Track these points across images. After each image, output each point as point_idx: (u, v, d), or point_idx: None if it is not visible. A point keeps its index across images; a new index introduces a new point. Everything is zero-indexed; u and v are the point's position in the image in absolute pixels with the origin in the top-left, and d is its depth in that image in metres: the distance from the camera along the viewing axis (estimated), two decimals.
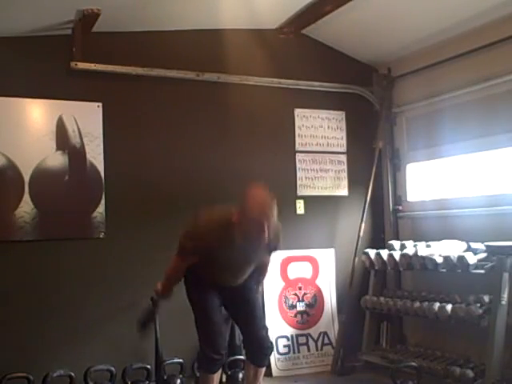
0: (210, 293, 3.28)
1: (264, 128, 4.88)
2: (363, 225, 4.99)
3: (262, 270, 3.49)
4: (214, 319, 3.28)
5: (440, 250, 4.20)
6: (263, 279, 3.63)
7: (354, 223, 5.02)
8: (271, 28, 4.87)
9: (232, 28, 4.67)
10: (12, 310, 4.02)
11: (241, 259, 3.18)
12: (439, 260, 4.14)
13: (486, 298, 3.90)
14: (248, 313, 3.36)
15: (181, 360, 4.24)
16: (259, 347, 3.35)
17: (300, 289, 4.98)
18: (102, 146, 4.33)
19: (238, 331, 4.19)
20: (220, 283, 3.29)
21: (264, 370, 3.48)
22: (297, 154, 5.07)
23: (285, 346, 4.82)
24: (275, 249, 3.34)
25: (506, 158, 4.30)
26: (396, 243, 4.74)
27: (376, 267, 4.76)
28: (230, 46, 4.67)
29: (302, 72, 5.01)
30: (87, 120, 4.29)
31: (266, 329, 3.42)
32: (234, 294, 3.34)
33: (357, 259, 4.92)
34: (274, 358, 4.70)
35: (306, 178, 5.08)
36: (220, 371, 3.42)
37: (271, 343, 3.44)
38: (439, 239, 4.36)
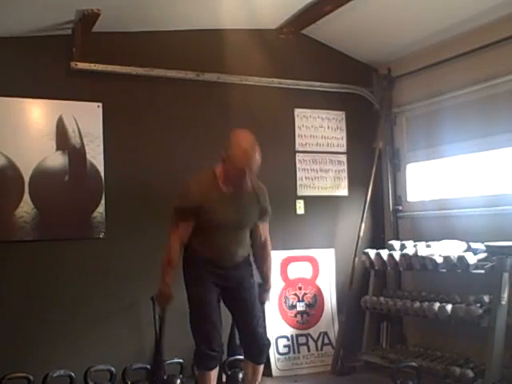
0: (209, 288, 3.29)
1: (264, 128, 4.85)
2: (363, 225, 4.99)
3: (261, 246, 3.46)
4: (209, 316, 3.29)
5: (440, 250, 4.20)
6: (269, 261, 3.52)
7: (354, 223, 5.02)
8: (271, 28, 4.87)
9: (232, 28, 4.67)
10: (12, 309, 4.02)
11: (231, 213, 3.22)
12: (439, 260, 4.14)
13: (486, 298, 3.90)
14: (246, 310, 3.37)
15: (181, 360, 4.24)
16: (256, 344, 3.37)
17: (300, 289, 4.98)
18: (101, 146, 4.33)
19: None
20: (218, 260, 3.29)
21: (262, 367, 3.48)
22: (297, 154, 5.07)
23: (285, 346, 4.82)
24: (265, 210, 3.40)
25: (506, 158, 4.30)
26: (396, 243, 4.73)
27: (376, 267, 4.76)
28: (230, 46, 4.67)
29: (301, 72, 5.01)
30: (87, 120, 4.30)
31: (264, 327, 3.43)
32: (232, 289, 3.35)
33: (357, 259, 4.91)
34: (273, 357, 4.71)
35: (305, 178, 5.08)
36: (217, 369, 3.43)
37: (268, 340, 3.44)
38: (439, 239, 4.36)
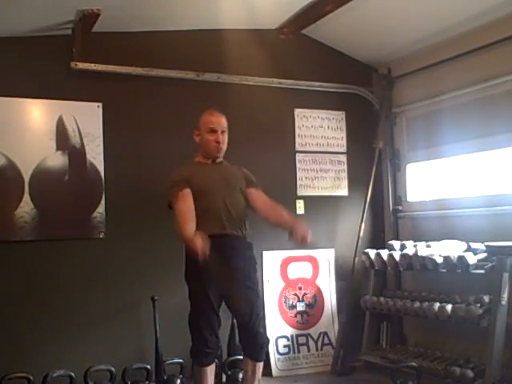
0: (209, 284, 3.28)
1: (264, 128, 4.88)
2: (363, 225, 4.98)
3: (268, 206, 3.48)
4: (207, 314, 3.31)
5: (440, 250, 4.20)
6: (282, 210, 3.48)
7: (354, 223, 5.02)
8: (271, 28, 4.87)
9: (232, 28, 4.67)
10: (12, 309, 4.02)
11: (216, 176, 3.43)
12: (439, 260, 4.14)
13: (486, 298, 3.90)
14: (246, 308, 3.36)
15: (181, 360, 4.24)
16: (256, 343, 3.38)
17: (300, 289, 4.98)
18: (101, 146, 4.33)
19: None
20: (215, 230, 3.28)
21: (261, 365, 3.49)
22: (297, 154, 5.07)
23: (285, 346, 4.81)
24: (251, 179, 3.55)
25: (506, 157, 4.30)
26: (396, 243, 4.73)
27: (376, 267, 4.76)
28: (230, 45, 4.66)
29: (301, 72, 5.01)
30: (87, 120, 4.30)
31: (264, 326, 3.45)
32: (234, 286, 3.33)
33: (357, 259, 4.91)
34: (273, 357, 4.71)
35: (305, 178, 5.08)
36: (214, 364, 3.45)
37: (267, 339, 3.47)
38: (439, 239, 4.36)
